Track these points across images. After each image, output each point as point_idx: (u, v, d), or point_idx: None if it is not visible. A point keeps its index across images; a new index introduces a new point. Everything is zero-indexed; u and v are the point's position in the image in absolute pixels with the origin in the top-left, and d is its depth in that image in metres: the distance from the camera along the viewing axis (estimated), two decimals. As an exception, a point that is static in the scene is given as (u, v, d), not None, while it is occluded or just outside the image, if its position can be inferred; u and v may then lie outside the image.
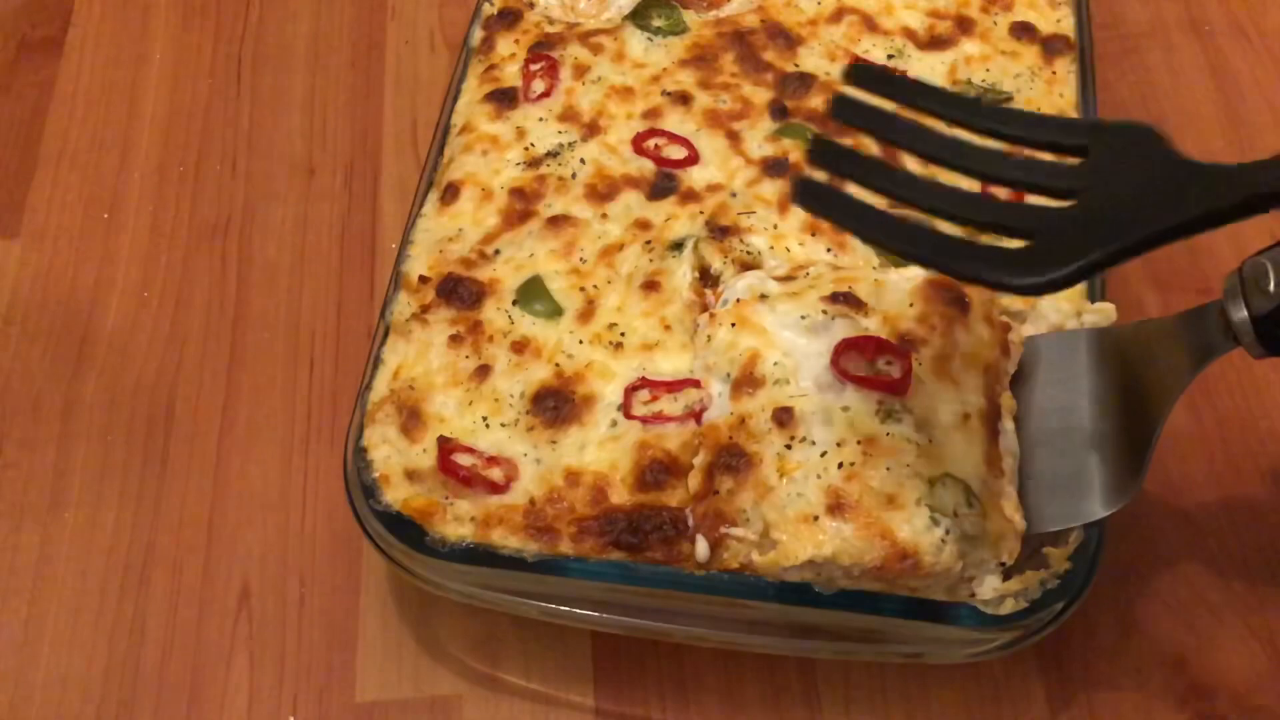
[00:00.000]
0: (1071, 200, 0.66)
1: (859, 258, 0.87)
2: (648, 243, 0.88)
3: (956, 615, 0.74)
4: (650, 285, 0.86)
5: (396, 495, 0.79)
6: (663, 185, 0.91)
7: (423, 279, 0.88)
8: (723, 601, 0.77)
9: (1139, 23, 1.16)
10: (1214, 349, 0.72)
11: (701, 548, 0.76)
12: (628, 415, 0.81)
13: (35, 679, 0.85)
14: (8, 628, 0.87)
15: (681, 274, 0.87)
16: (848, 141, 0.73)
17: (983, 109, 0.72)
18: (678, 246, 0.88)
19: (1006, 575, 0.76)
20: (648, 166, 0.93)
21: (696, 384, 0.82)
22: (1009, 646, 0.75)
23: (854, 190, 0.69)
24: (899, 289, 0.82)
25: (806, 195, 0.70)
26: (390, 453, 0.81)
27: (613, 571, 0.76)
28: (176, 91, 1.15)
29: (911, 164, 0.73)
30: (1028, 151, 0.70)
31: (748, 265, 0.87)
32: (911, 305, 0.81)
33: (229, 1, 1.20)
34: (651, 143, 0.93)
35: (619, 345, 0.84)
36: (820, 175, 0.70)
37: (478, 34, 1.02)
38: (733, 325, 0.82)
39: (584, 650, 0.85)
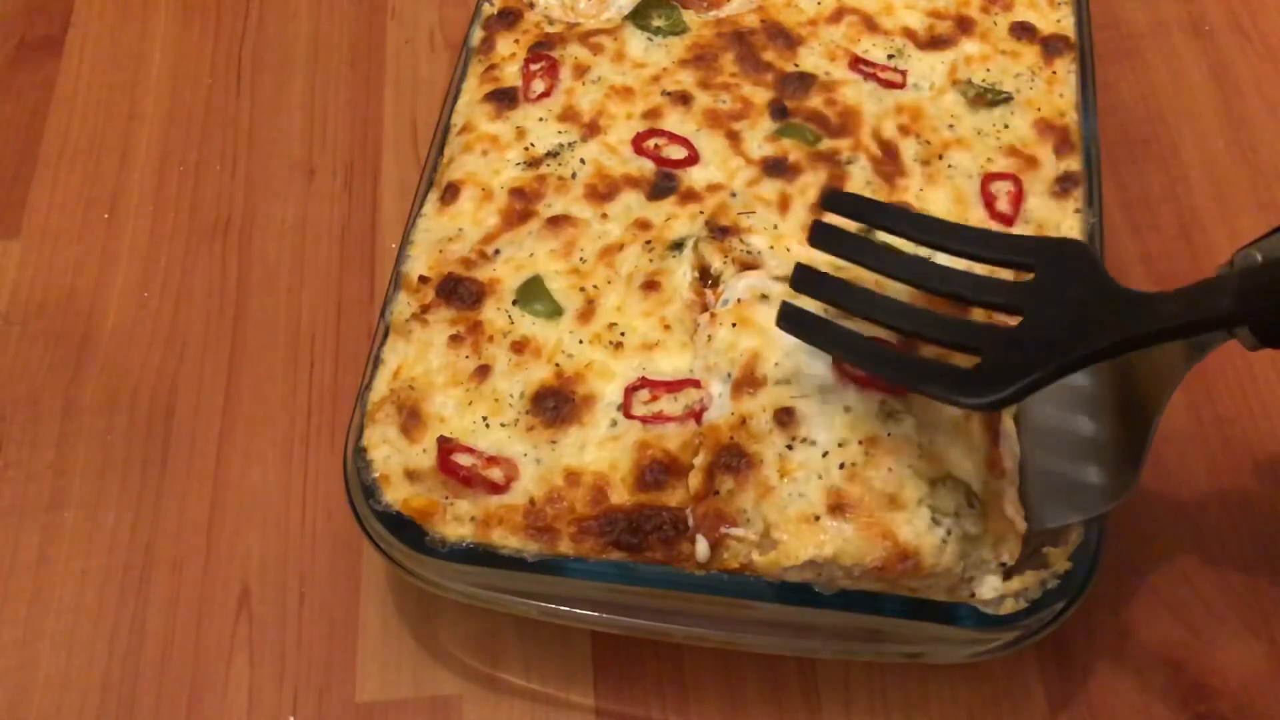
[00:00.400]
0: (1018, 315, 0.73)
1: None
2: (648, 243, 0.88)
3: (956, 615, 0.74)
4: (650, 285, 0.86)
5: (396, 495, 0.79)
6: (663, 185, 0.91)
7: (423, 279, 0.88)
8: (723, 601, 0.76)
9: (1139, 23, 1.16)
10: (1210, 340, 0.74)
11: (702, 548, 0.76)
12: (627, 415, 0.81)
13: (35, 679, 0.85)
14: (8, 628, 0.87)
15: (681, 274, 0.87)
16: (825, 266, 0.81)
17: (944, 228, 0.78)
18: (678, 246, 0.88)
19: (1007, 575, 0.76)
20: (648, 166, 0.93)
21: (696, 384, 0.82)
22: (1009, 646, 0.75)
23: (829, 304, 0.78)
24: (901, 289, 0.82)
25: (790, 320, 0.77)
26: (390, 453, 0.81)
27: (612, 571, 0.76)
28: (176, 91, 1.15)
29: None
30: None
31: (748, 265, 0.87)
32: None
33: (229, 1, 1.20)
34: (651, 143, 0.93)
35: (619, 345, 0.84)
36: (803, 301, 0.78)
37: (478, 34, 1.02)
38: (733, 325, 0.82)
39: (584, 650, 0.85)
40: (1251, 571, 0.87)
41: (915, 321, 0.75)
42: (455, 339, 0.85)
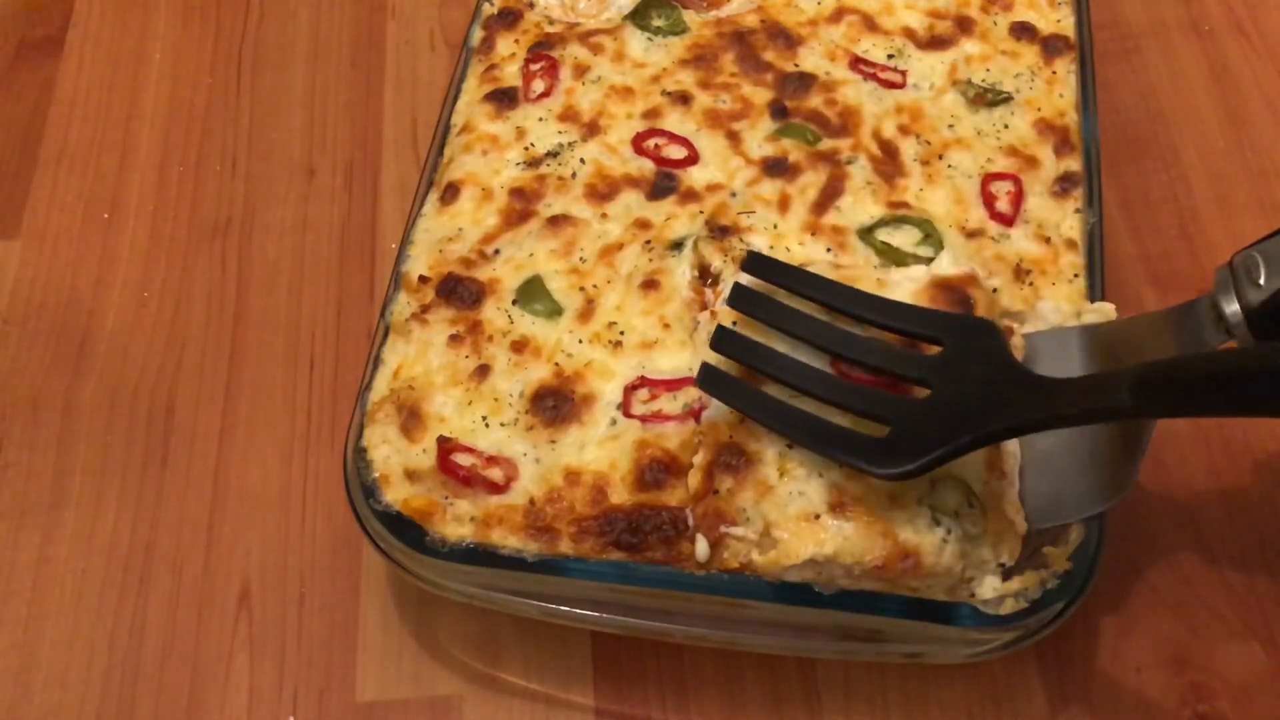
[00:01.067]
0: (925, 388, 0.75)
1: (859, 256, 0.87)
2: (647, 242, 0.88)
3: (956, 615, 0.74)
4: (649, 284, 0.86)
5: (396, 495, 0.79)
6: (662, 185, 0.91)
7: (423, 279, 0.88)
8: (723, 601, 0.76)
9: (1139, 23, 1.16)
10: (1206, 342, 0.75)
11: (701, 547, 0.76)
12: (627, 414, 0.81)
13: (35, 679, 0.85)
14: (8, 628, 0.87)
15: (681, 273, 0.87)
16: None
17: (856, 297, 0.80)
18: (677, 246, 0.88)
19: (1006, 575, 0.76)
20: (647, 166, 0.93)
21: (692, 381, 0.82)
22: (1009, 646, 0.75)
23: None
24: (901, 288, 0.82)
25: (710, 381, 0.78)
26: (390, 453, 0.81)
27: (612, 571, 0.76)
28: (176, 91, 1.15)
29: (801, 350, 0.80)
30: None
31: (748, 265, 0.87)
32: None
33: (229, 1, 1.21)
34: (651, 142, 0.93)
35: (618, 344, 0.84)
36: (724, 363, 0.79)
37: (478, 34, 1.02)
38: (734, 323, 0.82)
39: (584, 650, 0.85)
40: (1251, 571, 0.87)
41: (829, 389, 0.76)
42: (455, 339, 0.85)
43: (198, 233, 1.06)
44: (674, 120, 0.95)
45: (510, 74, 0.98)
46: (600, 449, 0.80)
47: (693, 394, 0.81)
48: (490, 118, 0.96)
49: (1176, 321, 0.76)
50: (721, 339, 0.80)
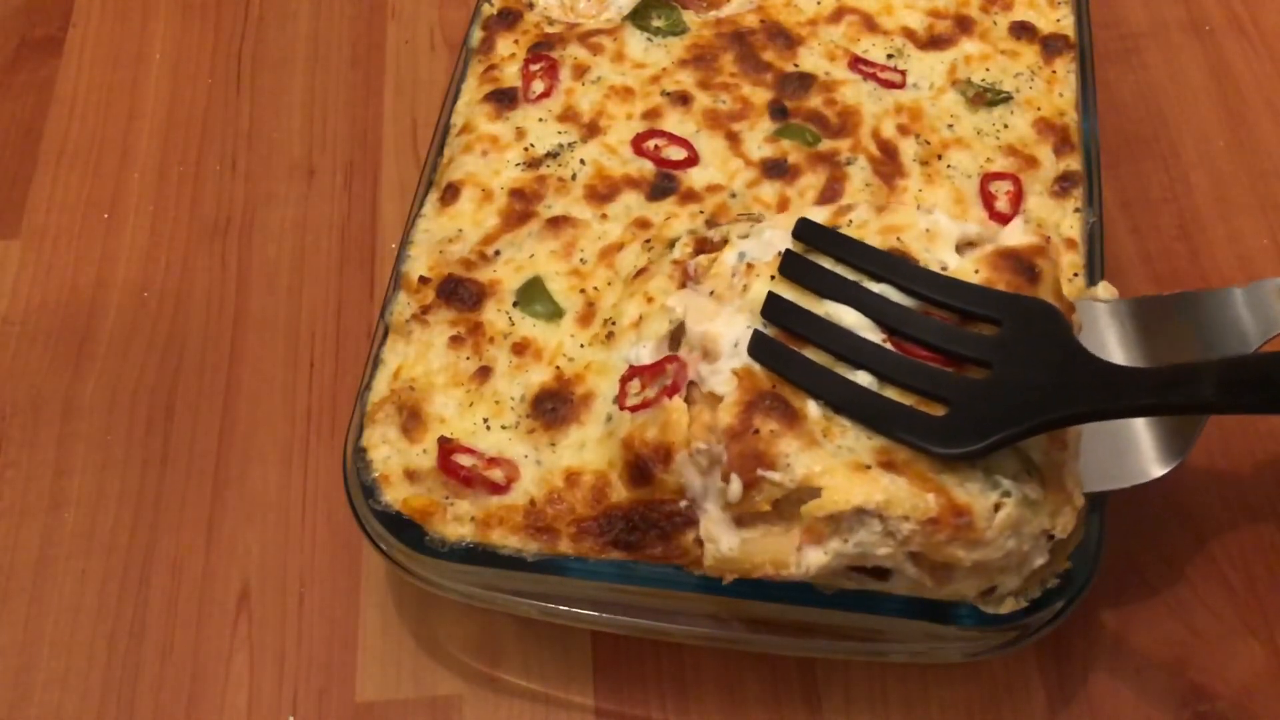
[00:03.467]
0: (984, 368, 0.73)
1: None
2: (647, 241, 0.88)
3: (956, 615, 0.74)
4: (640, 272, 0.86)
5: (396, 495, 0.79)
6: (662, 186, 0.91)
7: (423, 279, 0.88)
8: (723, 601, 0.76)
9: (1139, 23, 1.16)
10: (1276, 325, 0.75)
11: (735, 487, 0.72)
12: (622, 407, 0.81)
13: (35, 679, 0.85)
14: (8, 628, 0.87)
15: (666, 260, 0.86)
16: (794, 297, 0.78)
17: (915, 273, 0.77)
18: (674, 243, 0.88)
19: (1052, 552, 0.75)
20: (647, 167, 0.93)
21: (672, 359, 0.80)
22: (1009, 646, 0.76)
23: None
24: (948, 237, 0.79)
25: (760, 350, 0.75)
26: (390, 453, 0.81)
27: (612, 571, 0.76)
28: (176, 91, 1.15)
29: (854, 320, 0.77)
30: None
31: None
32: (977, 272, 0.77)
33: (229, 1, 1.21)
34: (651, 143, 0.93)
35: (611, 335, 0.84)
36: (773, 331, 0.76)
37: (477, 34, 1.02)
38: (772, 278, 0.78)
39: (584, 650, 0.85)
40: (1251, 571, 0.87)
41: (886, 365, 0.74)
42: (456, 340, 0.85)
43: (198, 233, 1.06)
44: (674, 121, 0.95)
45: (510, 74, 0.98)
46: (600, 447, 0.80)
47: (668, 371, 0.80)
48: (490, 118, 0.96)
49: (1248, 301, 0.76)
50: (773, 306, 0.77)
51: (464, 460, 0.80)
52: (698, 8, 1.02)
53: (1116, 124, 1.08)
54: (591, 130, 0.94)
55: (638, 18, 1.01)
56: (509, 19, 1.02)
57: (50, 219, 1.07)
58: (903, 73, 0.97)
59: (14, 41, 1.18)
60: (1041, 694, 0.83)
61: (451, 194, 0.92)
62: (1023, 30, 0.99)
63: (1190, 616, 0.85)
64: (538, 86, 0.97)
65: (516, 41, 1.00)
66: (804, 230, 0.80)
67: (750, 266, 0.80)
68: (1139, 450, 0.77)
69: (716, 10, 1.02)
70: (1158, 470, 0.77)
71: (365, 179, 1.08)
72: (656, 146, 0.93)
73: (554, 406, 0.82)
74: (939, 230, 0.79)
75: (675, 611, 0.78)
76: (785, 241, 0.80)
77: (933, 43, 0.99)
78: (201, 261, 1.04)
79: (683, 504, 0.77)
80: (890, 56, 0.98)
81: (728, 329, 0.77)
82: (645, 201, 0.91)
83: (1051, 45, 0.98)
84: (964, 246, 0.79)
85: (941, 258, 0.78)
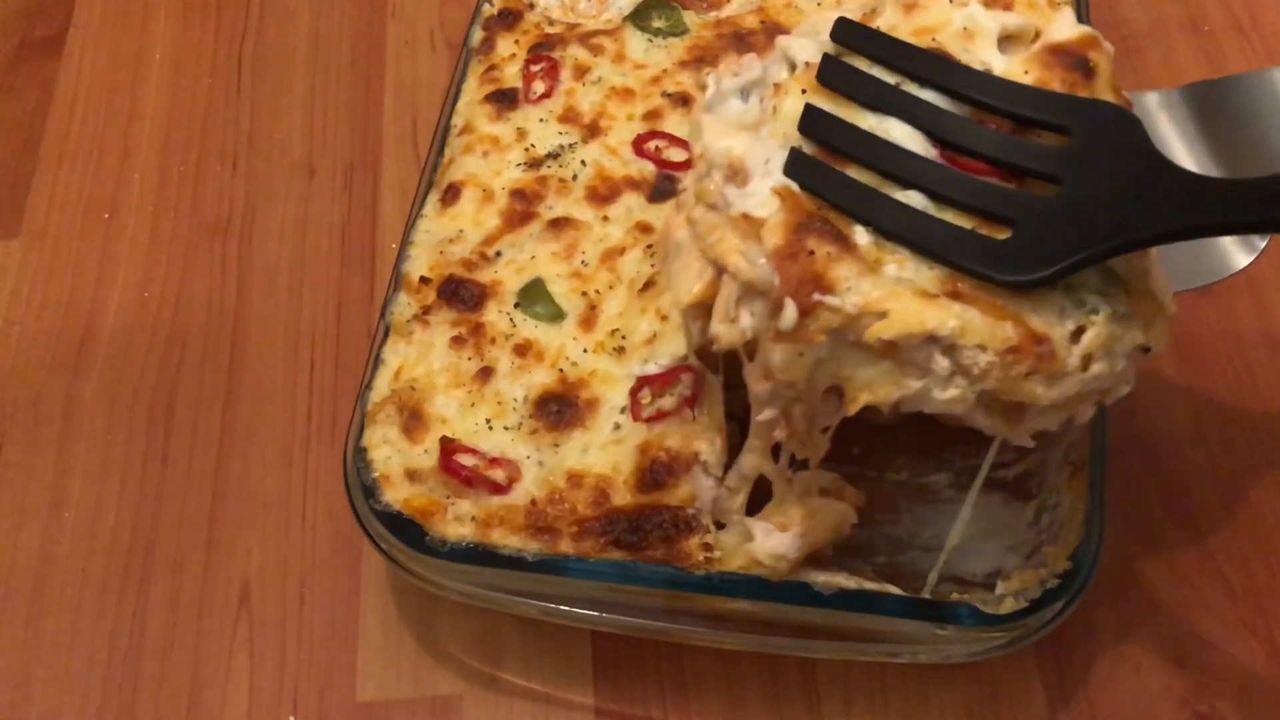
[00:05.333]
0: (1052, 184, 0.65)
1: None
2: (648, 246, 0.88)
3: (956, 615, 0.74)
4: (647, 284, 0.86)
5: (397, 495, 0.79)
6: (663, 187, 0.91)
7: (424, 280, 0.88)
8: (722, 601, 0.76)
9: (1139, 23, 1.16)
10: None
11: (789, 314, 0.64)
12: (636, 418, 0.81)
13: (35, 679, 0.85)
14: (8, 627, 0.87)
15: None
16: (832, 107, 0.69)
17: (970, 76, 0.69)
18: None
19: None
20: (649, 168, 0.93)
21: (687, 369, 0.81)
22: (1009, 645, 0.76)
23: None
24: (988, 33, 0.70)
25: (797, 168, 0.67)
26: (391, 453, 0.81)
27: (613, 571, 0.77)
28: (176, 91, 1.15)
29: (902, 134, 0.69)
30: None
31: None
32: (1026, 73, 0.70)
33: (229, 1, 1.21)
34: (652, 144, 0.93)
35: (621, 349, 0.84)
36: (811, 148, 0.68)
37: (478, 34, 1.02)
38: (803, 92, 0.70)
39: (584, 650, 0.85)
40: (1251, 571, 0.87)
41: (942, 183, 0.66)
42: (457, 340, 0.85)
43: (198, 233, 1.06)
44: (674, 122, 0.95)
45: (510, 75, 0.98)
46: (603, 452, 0.80)
47: (685, 381, 0.81)
48: (491, 119, 0.96)
49: None
50: (810, 120, 0.68)
51: (466, 460, 0.80)
52: (698, 8, 1.02)
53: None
54: (592, 131, 0.94)
55: (638, 18, 1.01)
56: (509, 19, 1.02)
57: (51, 219, 1.07)
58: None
59: (14, 41, 1.18)
60: (1041, 694, 0.83)
61: (452, 194, 0.92)
62: (1023, 31, 0.99)
63: (1190, 616, 0.85)
64: (538, 87, 0.97)
65: (517, 42, 1.00)
66: (843, 31, 0.71)
67: (777, 86, 0.71)
68: (1216, 244, 0.70)
69: (717, 11, 1.02)
70: (1242, 261, 0.70)
71: (366, 179, 1.08)
72: (657, 148, 0.93)
73: (559, 409, 0.82)
74: (978, 25, 0.71)
75: (675, 611, 0.78)
76: (815, 52, 0.72)
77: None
78: (202, 261, 1.04)
79: (690, 510, 0.77)
80: (890, 57, 0.98)
81: (757, 147, 0.69)
82: (646, 203, 0.91)
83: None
84: (1005, 44, 0.71)
85: (984, 58, 0.70)
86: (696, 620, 0.79)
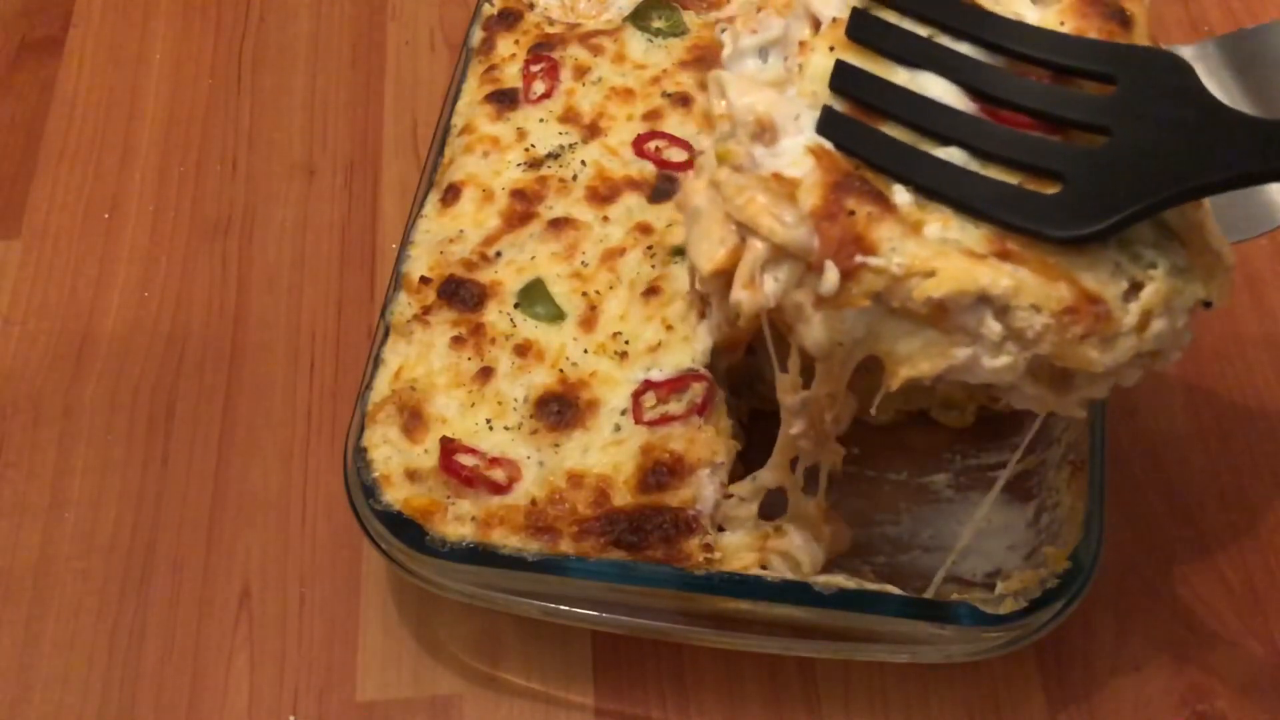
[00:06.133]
0: (1100, 135, 0.63)
1: None
2: (649, 248, 0.88)
3: (956, 615, 0.74)
4: (652, 290, 0.86)
5: (397, 495, 0.79)
6: (664, 188, 0.91)
7: (424, 280, 0.88)
8: (723, 601, 0.76)
9: (1139, 23, 1.16)
10: None
11: (830, 277, 0.62)
12: (638, 421, 0.81)
13: (35, 679, 0.85)
14: (8, 627, 0.87)
15: (683, 279, 0.86)
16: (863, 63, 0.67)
17: (1007, 27, 0.66)
18: (680, 252, 0.88)
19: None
20: (649, 168, 0.93)
21: (697, 377, 0.81)
22: (1009, 645, 0.76)
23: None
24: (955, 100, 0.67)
25: (830, 126, 0.65)
26: (391, 453, 0.81)
27: (613, 571, 0.76)
28: (176, 91, 1.15)
29: (938, 89, 0.67)
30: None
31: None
32: (1062, 24, 0.68)
33: (229, 1, 1.21)
34: (652, 145, 0.93)
35: (624, 354, 0.84)
36: (844, 105, 0.66)
37: (478, 34, 1.02)
38: (830, 49, 0.67)
39: (584, 650, 0.85)
40: (1251, 571, 0.87)
41: (984, 138, 0.63)
42: (457, 341, 0.85)
43: (198, 233, 1.06)
44: (674, 122, 0.94)
45: (511, 75, 0.98)
46: (604, 453, 0.80)
47: (695, 390, 0.81)
48: (491, 119, 0.96)
49: None
50: (843, 76, 0.66)
51: (466, 460, 0.80)
52: (698, 8, 1.02)
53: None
54: (592, 131, 0.94)
55: (638, 18, 1.01)
56: (509, 19, 1.02)
57: (51, 219, 1.07)
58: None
59: (15, 42, 1.18)
60: (1041, 694, 0.83)
61: (452, 194, 0.92)
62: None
63: (1190, 616, 0.85)
64: (538, 87, 0.97)
65: (517, 42, 1.00)
66: None
67: (803, 44, 0.69)
68: (1264, 193, 0.68)
69: (717, 10, 1.02)
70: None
71: (366, 179, 1.08)
72: (658, 148, 0.93)
73: (559, 409, 0.82)
74: None
75: (675, 611, 0.78)
76: (840, 6, 0.69)
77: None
78: (202, 261, 1.04)
79: (690, 511, 0.77)
80: (890, 57, 0.98)
81: (784, 104, 0.66)
82: (646, 203, 0.91)
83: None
84: None
85: (1016, 9, 0.68)
86: (696, 620, 0.78)
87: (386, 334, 0.86)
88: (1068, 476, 0.81)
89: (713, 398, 0.81)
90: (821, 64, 0.67)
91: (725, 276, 0.66)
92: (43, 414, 0.97)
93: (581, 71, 0.98)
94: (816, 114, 0.65)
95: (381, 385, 0.84)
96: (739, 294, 0.65)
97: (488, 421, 0.82)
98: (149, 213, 1.07)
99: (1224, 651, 0.84)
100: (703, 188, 0.68)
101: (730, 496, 0.79)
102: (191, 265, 1.04)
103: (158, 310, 1.02)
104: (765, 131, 0.66)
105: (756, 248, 0.64)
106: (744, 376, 0.87)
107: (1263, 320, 0.97)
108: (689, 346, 0.83)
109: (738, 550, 0.78)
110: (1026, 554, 0.81)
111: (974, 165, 0.63)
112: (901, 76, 0.66)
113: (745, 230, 0.65)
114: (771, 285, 0.64)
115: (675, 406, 0.81)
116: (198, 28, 1.19)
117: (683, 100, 0.95)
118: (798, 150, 0.64)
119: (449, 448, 0.80)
